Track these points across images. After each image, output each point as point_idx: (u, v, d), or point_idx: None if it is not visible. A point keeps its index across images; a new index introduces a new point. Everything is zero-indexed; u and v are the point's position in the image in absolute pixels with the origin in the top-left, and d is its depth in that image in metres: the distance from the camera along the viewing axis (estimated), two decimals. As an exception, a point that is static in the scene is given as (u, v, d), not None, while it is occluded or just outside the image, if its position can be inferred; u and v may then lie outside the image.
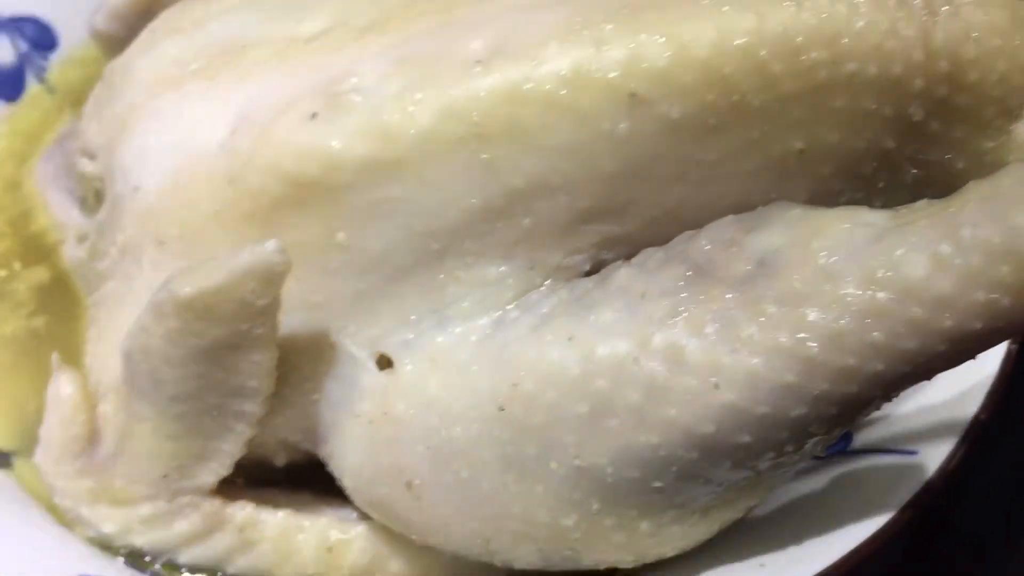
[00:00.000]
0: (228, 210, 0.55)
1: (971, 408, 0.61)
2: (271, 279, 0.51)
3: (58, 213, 0.83)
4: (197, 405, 0.56)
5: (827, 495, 0.62)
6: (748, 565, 0.57)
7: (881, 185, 0.55)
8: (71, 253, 0.78)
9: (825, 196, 0.54)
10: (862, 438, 0.65)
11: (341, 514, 0.64)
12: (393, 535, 0.62)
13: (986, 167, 0.54)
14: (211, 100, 0.58)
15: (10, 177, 0.86)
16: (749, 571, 0.56)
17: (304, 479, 0.65)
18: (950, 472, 0.59)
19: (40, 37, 0.92)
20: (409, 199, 0.52)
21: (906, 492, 0.58)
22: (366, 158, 0.52)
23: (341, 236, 0.53)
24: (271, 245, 0.50)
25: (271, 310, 0.52)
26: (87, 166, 0.72)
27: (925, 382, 0.62)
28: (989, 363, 0.63)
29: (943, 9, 0.52)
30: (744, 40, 0.50)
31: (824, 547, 0.56)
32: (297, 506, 0.64)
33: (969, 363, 0.62)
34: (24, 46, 0.91)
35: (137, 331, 0.54)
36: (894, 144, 0.54)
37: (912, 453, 0.61)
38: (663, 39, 0.50)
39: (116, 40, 0.85)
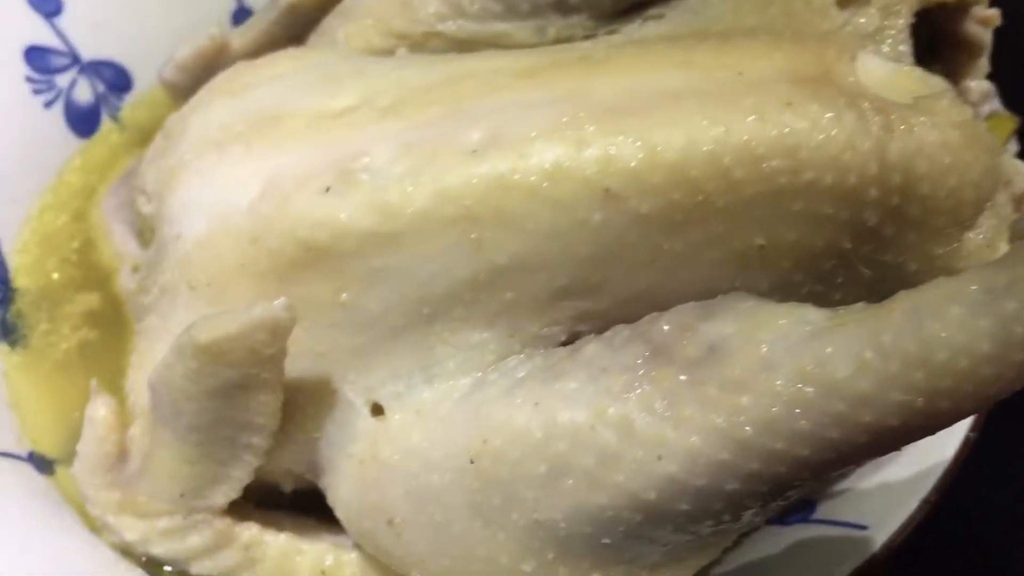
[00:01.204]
0: (250, 265, 0.62)
1: (924, 489, 0.65)
2: (278, 332, 0.57)
3: (118, 243, 0.92)
4: (211, 435, 0.63)
5: (782, 559, 0.66)
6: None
7: (840, 280, 0.60)
8: (125, 281, 0.87)
9: (786, 287, 0.60)
10: (824, 509, 0.69)
11: (338, 540, 0.70)
12: (381, 565, 0.68)
13: (936, 271, 0.58)
14: (246, 165, 0.65)
15: (80, 208, 0.95)
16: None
17: (310, 504, 0.71)
18: (896, 548, 0.63)
19: (117, 79, 1.02)
20: (405, 268, 0.59)
21: (851, 563, 0.62)
22: (369, 230, 0.58)
23: (345, 296, 0.60)
24: (280, 303, 0.57)
25: (277, 358, 0.59)
26: (144, 205, 0.80)
27: (891, 456, 0.68)
28: (948, 447, 0.67)
29: (900, 127, 0.57)
30: (710, 147, 0.56)
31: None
32: (299, 530, 0.70)
33: (930, 444, 0.68)
34: (102, 87, 1.00)
35: (162, 367, 0.61)
36: (850, 245, 0.59)
37: (863, 528, 0.65)
38: (637, 142, 0.56)
39: (182, 89, 0.93)
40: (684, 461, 0.53)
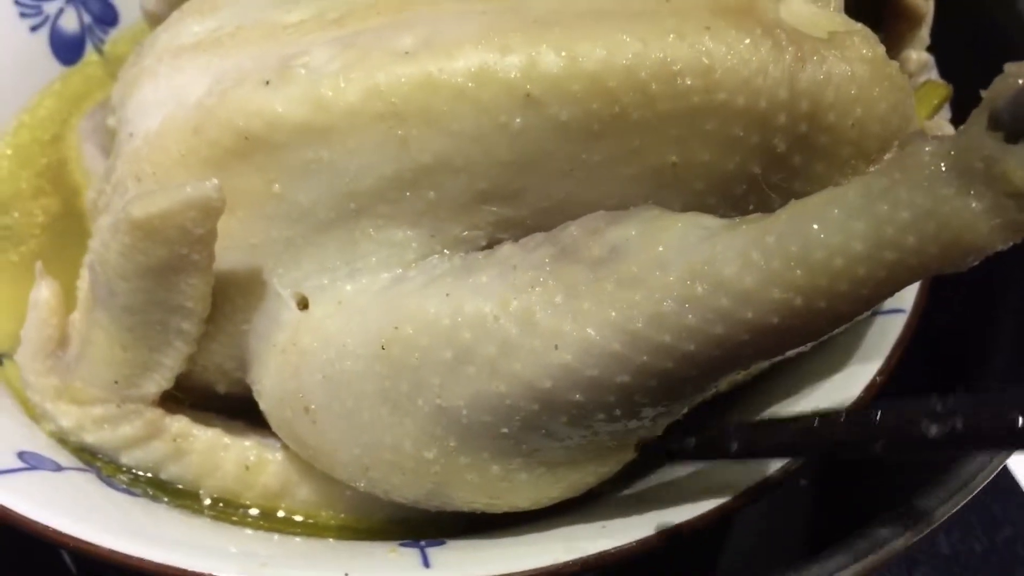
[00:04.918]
0: (191, 154, 0.65)
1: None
2: (208, 212, 0.60)
3: (88, 162, 0.95)
4: (143, 318, 0.65)
5: (682, 481, 0.68)
6: (591, 528, 0.64)
7: (752, 208, 0.63)
8: (90, 196, 0.90)
9: (699, 209, 0.62)
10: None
11: (265, 441, 0.72)
12: (304, 465, 0.70)
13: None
14: (199, 67, 0.68)
15: (56, 131, 0.99)
16: (592, 532, 0.63)
17: (243, 410, 0.74)
18: (791, 476, 0.65)
19: (104, 13, 1.06)
20: (334, 162, 0.62)
21: (739, 486, 0.64)
22: (302, 122, 0.61)
23: (277, 187, 0.63)
24: (211, 183, 0.60)
25: (207, 240, 0.61)
26: (110, 120, 0.83)
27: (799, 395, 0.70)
28: (855, 387, 0.70)
29: (812, 58, 0.60)
30: (628, 60, 0.58)
31: (660, 518, 0.63)
32: (229, 429, 0.73)
33: (837, 384, 0.70)
34: (88, 18, 1.04)
35: (99, 245, 0.64)
36: (760, 170, 0.61)
37: (762, 459, 0.67)
38: (560, 51, 0.59)
39: (163, 20, 0.96)
40: (578, 351, 0.55)
